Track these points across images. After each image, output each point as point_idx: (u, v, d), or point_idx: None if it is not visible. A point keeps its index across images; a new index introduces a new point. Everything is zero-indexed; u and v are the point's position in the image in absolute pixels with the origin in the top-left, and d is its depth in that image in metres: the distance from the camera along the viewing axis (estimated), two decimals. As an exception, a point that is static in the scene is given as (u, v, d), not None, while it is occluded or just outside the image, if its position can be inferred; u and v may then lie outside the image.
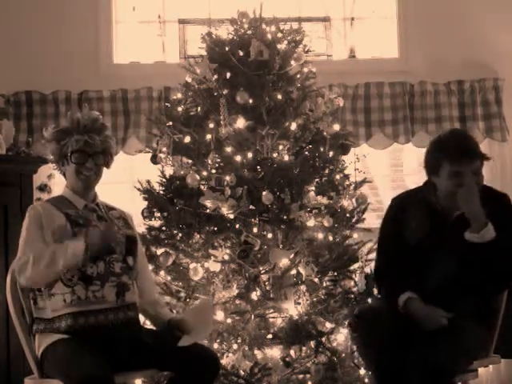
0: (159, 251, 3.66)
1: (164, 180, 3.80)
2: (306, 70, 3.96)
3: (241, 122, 3.67)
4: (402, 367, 2.84)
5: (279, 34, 3.92)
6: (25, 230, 2.91)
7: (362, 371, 3.51)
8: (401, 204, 3.20)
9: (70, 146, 2.96)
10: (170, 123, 3.84)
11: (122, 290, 2.88)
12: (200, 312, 3.10)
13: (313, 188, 3.72)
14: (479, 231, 2.87)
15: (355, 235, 3.87)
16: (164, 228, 3.74)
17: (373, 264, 3.63)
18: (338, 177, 3.84)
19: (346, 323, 3.48)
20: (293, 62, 3.86)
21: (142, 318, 3.12)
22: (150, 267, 3.49)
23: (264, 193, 3.55)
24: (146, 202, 3.77)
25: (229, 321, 3.51)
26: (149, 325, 3.21)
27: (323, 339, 3.54)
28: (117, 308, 2.85)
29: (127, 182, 4.93)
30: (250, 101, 3.73)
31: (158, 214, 3.75)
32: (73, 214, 2.91)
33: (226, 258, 3.56)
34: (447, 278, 2.93)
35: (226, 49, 3.85)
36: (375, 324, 2.92)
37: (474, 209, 2.89)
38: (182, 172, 3.72)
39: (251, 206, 3.59)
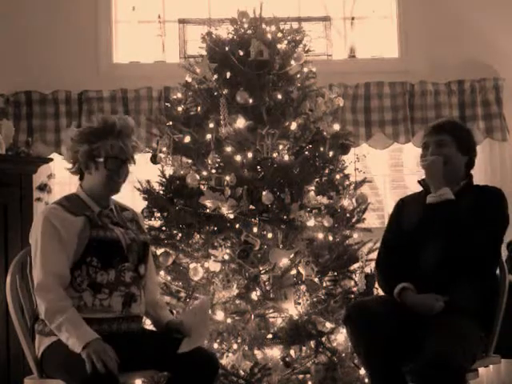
0: (159, 251, 3.66)
1: (164, 180, 3.80)
2: (305, 69, 3.96)
3: (241, 122, 3.67)
4: (394, 363, 2.88)
5: (279, 34, 3.92)
6: (39, 245, 2.78)
7: (362, 371, 3.51)
8: (402, 200, 3.33)
9: (104, 151, 2.85)
10: (170, 123, 3.84)
11: (129, 300, 2.84)
12: (198, 313, 3.07)
13: (313, 188, 3.72)
14: (436, 192, 3.03)
15: (355, 235, 3.87)
16: (164, 228, 3.73)
17: (373, 264, 3.64)
18: (337, 177, 3.84)
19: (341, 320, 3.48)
20: (293, 62, 3.86)
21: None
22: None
23: (264, 193, 3.55)
24: (145, 202, 3.77)
25: (229, 321, 3.50)
26: (149, 324, 3.20)
27: (323, 339, 3.54)
28: (121, 318, 2.82)
29: (127, 181, 4.91)
30: (250, 101, 3.73)
31: (158, 214, 3.75)
32: (91, 215, 2.84)
33: (226, 257, 3.56)
34: (437, 263, 2.98)
35: (226, 49, 3.85)
36: (363, 319, 2.92)
37: (434, 176, 3.07)
38: (182, 172, 3.71)
39: (251, 206, 3.59)
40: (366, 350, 2.95)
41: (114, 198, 3.04)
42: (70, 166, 2.96)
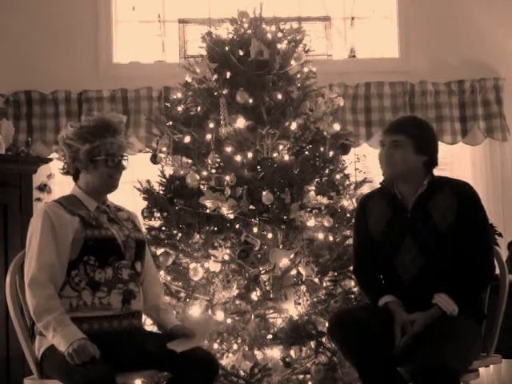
0: (159, 251, 3.66)
1: (164, 180, 3.80)
2: (306, 69, 3.96)
3: (241, 122, 3.67)
4: (389, 366, 2.83)
5: (279, 34, 3.92)
6: (37, 238, 2.80)
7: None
8: (363, 201, 3.20)
9: (104, 150, 2.88)
10: (170, 123, 3.83)
11: (128, 297, 2.84)
12: (201, 325, 3.02)
13: (313, 188, 3.72)
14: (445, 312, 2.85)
15: (355, 235, 3.87)
16: (164, 228, 3.73)
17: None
18: (338, 177, 3.84)
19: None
20: (293, 62, 3.86)
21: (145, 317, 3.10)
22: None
23: (264, 193, 3.55)
24: (145, 202, 3.77)
25: (229, 321, 3.50)
26: (149, 324, 3.20)
27: (323, 339, 3.54)
28: (121, 315, 2.83)
29: (127, 181, 4.91)
30: (250, 101, 3.72)
31: (158, 214, 3.75)
32: (85, 216, 2.86)
33: (226, 258, 3.56)
34: (417, 267, 2.93)
35: (226, 48, 3.85)
36: (348, 328, 2.83)
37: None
38: (181, 172, 3.71)
39: (251, 206, 3.59)
40: (357, 359, 2.86)
41: (113, 199, 3.05)
42: (63, 166, 2.97)
